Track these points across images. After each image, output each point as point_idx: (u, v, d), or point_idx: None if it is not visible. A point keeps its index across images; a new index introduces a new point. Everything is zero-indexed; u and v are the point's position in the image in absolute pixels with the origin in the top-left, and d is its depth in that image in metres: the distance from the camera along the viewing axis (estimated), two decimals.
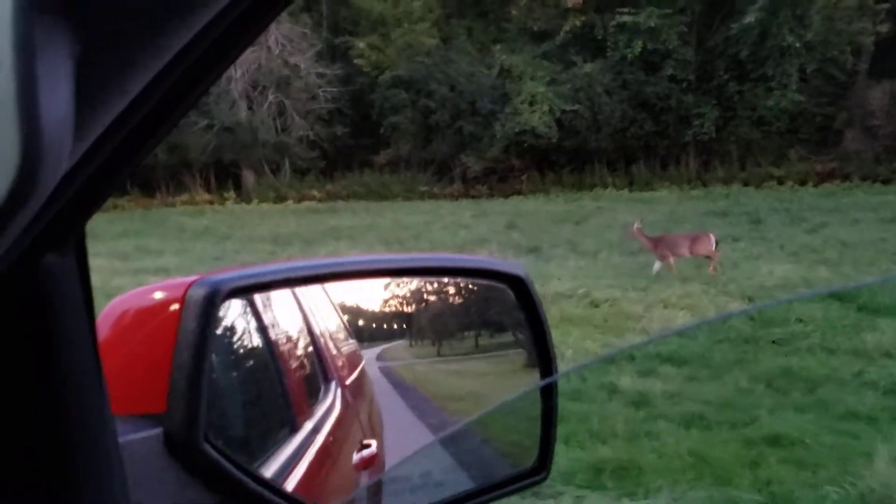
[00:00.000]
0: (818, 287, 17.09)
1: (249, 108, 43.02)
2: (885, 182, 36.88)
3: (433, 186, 42.38)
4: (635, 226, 21.32)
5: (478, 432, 2.66)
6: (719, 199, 35.88)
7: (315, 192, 42.12)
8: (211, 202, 41.45)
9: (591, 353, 12.63)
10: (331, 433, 2.51)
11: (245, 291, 2.03)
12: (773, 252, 21.61)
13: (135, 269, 21.81)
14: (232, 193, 42.33)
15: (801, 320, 14.11)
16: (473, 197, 41.06)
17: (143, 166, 38.04)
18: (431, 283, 2.74)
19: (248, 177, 43.30)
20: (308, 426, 2.40)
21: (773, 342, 13.30)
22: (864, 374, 11.23)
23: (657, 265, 19.79)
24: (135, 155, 1.06)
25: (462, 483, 2.56)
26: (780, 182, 38.87)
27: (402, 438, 2.77)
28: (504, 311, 2.72)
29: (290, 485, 2.07)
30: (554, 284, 17.41)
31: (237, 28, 1.00)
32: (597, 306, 15.96)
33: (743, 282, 17.62)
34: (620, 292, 16.78)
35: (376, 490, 2.54)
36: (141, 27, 0.93)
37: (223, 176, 43.27)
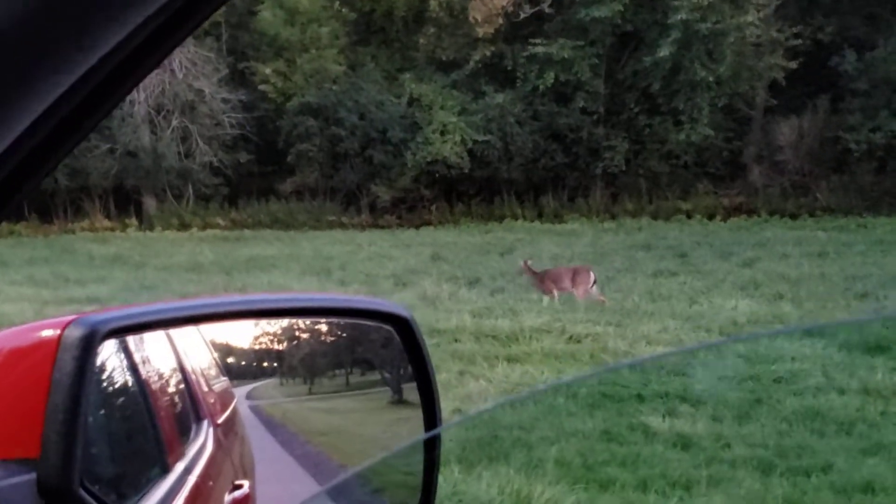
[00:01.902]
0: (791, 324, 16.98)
1: (153, 132, 41.81)
2: (794, 217, 37.49)
3: (340, 216, 41.74)
4: (522, 262, 21.84)
5: (359, 480, 2.60)
6: (633, 231, 35.99)
7: (220, 220, 41.10)
8: (112, 229, 40.03)
9: (612, 397, 12.20)
10: (203, 473, 2.48)
11: (124, 332, 2.02)
12: (720, 287, 21.50)
13: (66, 299, 20.83)
14: (134, 220, 41.02)
15: (794, 358, 13.89)
16: (382, 227, 40.54)
17: (42, 191, 36.87)
18: (304, 321, 2.75)
19: (150, 203, 42.04)
20: (180, 467, 2.37)
21: (775, 381, 13.05)
22: (892, 416, 11.04)
23: (545, 299, 20.04)
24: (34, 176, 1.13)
25: None
26: (689, 216, 39.20)
27: (273, 477, 2.82)
28: (375, 349, 2.77)
29: None
30: (525, 319, 17.01)
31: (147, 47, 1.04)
32: (578, 342, 15.58)
33: (713, 317, 17.41)
34: (598, 327, 16.42)
35: None
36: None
37: (124, 202, 41.92)
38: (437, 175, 41.05)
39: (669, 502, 7.61)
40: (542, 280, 20.65)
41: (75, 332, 1.73)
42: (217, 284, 23.35)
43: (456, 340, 15.70)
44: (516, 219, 40.79)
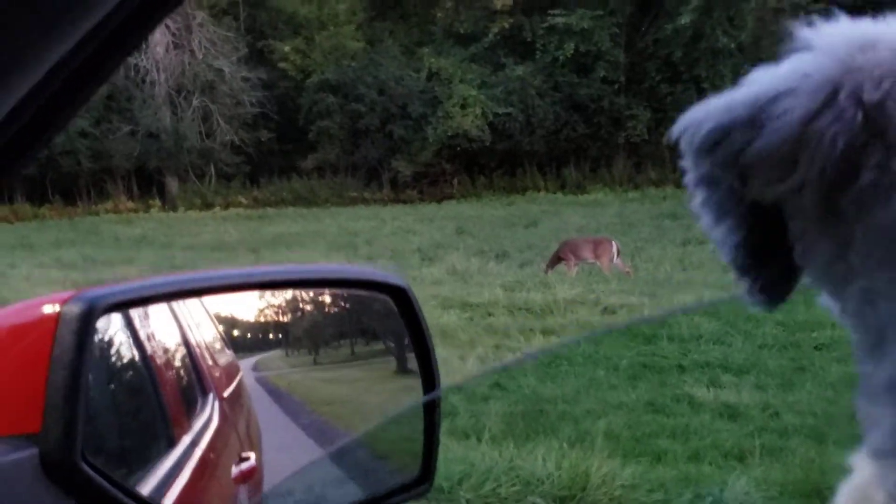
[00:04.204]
0: None
1: (174, 113, 41.80)
2: None
3: (362, 192, 41.69)
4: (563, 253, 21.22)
5: (362, 445, 2.71)
6: (658, 200, 35.80)
7: (242, 199, 41.11)
8: (135, 210, 40.09)
9: (652, 368, 12.11)
10: (209, 446, 2.51)
11: (123, 307, 2.03)
12: None
13: (96, 281, 20.72)
14: (157, 201, 41.07)
15: (834, 325, 13.69)
16: (404, 202, 40.46)
17: (65, 174, 36.95)
18: (308, 292, 2.78)
19: (172, 184, 42.04)
20: (186, 440, 2.40)
21: (816, 348, 12.94)
22: None
23: (574, 269, 20.01)
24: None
25: (346, 496, 2.70)
26: None
27: (280, 446, 2.85)
28: (379, 318, 2.77)
29: (170, 500, 2.06)
30: (558, 290, 16.91)
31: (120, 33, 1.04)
32: (614, 313, 15.48)
33: None
34: (633, 298, 16.32)
35: None
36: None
37: (146, 183, 41.98)
38: (458, 149, 40.93)
39: (730, 475, 7.51)
40: (561, 249, 20.55)
41: (74, 308, 1.74)
42: (245, 263, 23.31)
43: (489, 314, 15.60)
44: (539, 191, 40.68)
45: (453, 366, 12.83)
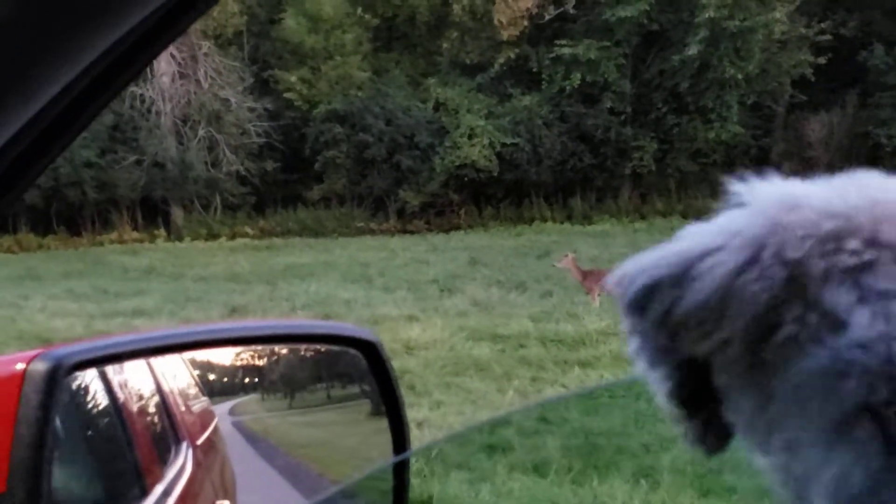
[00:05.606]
0: None
1: (180, 143, 41.63)
2: None
3: (369, 222, 41.54)
4: (569, 256, 21.73)
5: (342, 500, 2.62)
6: (666, 231, 34.60)
7: (248, 229, 40.89)
8: (141, 240, 39.78)
9: None
10: (182, 495, 2.48)
11: (90, 364, 2.00)
12: None
13: (112, 312, 20.67)
14: (162, 231, 40.82)
15: None
16: (411, 232, 40.32)
17: (70, 204, 36.70)
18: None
19: (177, 214, 41.84)
20: (159, 490, 2.36)
21: None
22: None
23: (597, 299, 19.85)
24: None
25: None
26: None
27: (255, 488, 2.85)
28: (356, 362, 2.70)
29: None
30: (588, 322, 16.83)
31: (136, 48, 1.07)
32: None
33: None
34: None
35: None
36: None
37: (151, 213, 41.75)
38: (465, 179, 40.89)
39: None
40: (586, 279, 20.51)
41: (40, 367, 1.73)
42: (262, 295, 23.19)
43: (521, 346, 15.51)
44: (545, 221, 40.65)
45: (492, 399, 12.74)
